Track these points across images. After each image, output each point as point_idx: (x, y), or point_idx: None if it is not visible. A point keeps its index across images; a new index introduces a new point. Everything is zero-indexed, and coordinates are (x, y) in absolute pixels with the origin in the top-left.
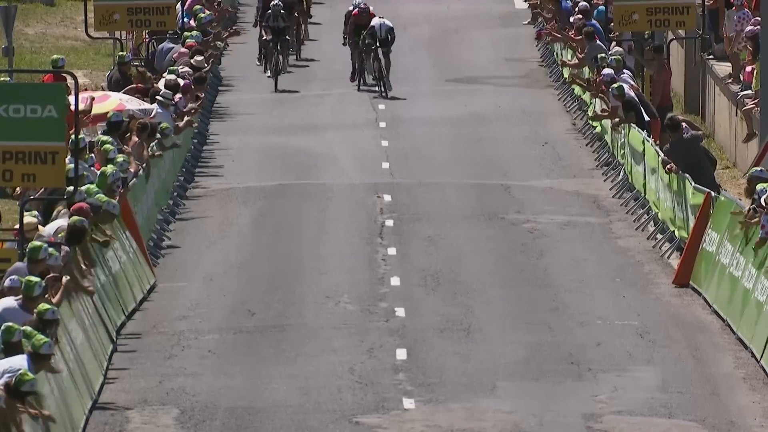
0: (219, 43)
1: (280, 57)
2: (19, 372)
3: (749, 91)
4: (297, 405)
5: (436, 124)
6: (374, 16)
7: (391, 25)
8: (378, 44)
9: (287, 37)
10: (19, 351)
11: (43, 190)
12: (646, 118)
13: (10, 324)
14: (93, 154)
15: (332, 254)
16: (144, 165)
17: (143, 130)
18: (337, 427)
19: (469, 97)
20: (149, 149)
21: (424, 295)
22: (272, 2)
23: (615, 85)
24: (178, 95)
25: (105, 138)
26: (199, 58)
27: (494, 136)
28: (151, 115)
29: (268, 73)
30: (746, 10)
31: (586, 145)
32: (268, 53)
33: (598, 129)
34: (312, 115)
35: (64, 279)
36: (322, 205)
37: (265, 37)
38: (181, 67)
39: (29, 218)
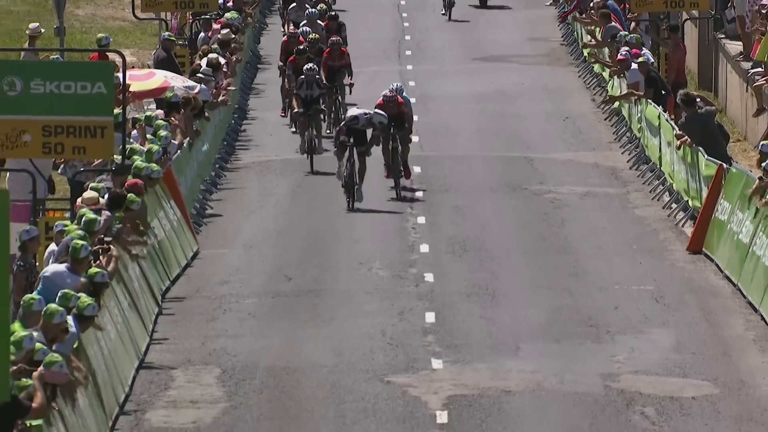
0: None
1: (314, 131)
2: (78, 300)
3: (759, 69)
4: (332, 365)
5: (463, 100)
6: (404, 105)
7: (379, 120)
8: (353, 141)
9: (323, 107)
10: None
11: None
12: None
13: (67, 291)
14: (135, 130)
15: (365, 223)
16: (188, 138)
17: (187, 104)
18: (370, 386)
19: (494, 74)
20: (192, 125)
21: (452, 261)
22: (305, 66)
23: (640, 59)
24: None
25: (151, 114)
26: (225, 31)
27: (518, 111)
28: (195, 91)
29: (303, 154)
30: None
31: (605, 119)
32: (300, 128)
33: (616, 104)
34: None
35: (114, 250)
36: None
37: (296, 109)
38: (214, 45)
39: (91, 193)
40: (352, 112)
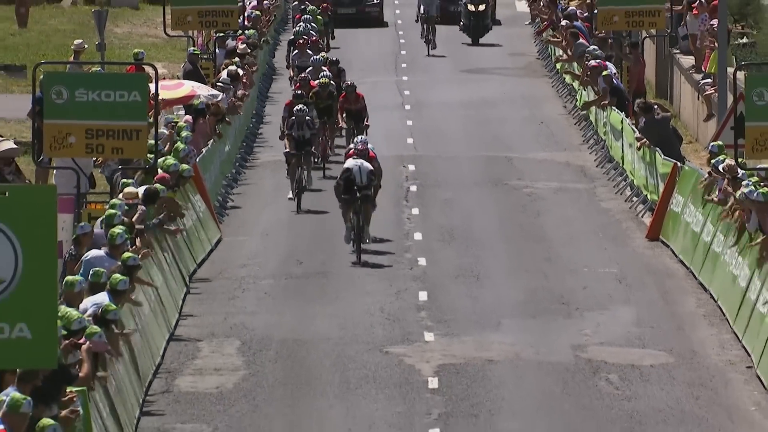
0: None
1: (305, 173)
2: (104, 304)
3: (709, 80)
4: (337, 337)
5: (451, 107)
6: (374, 158)
7: (370, 168)
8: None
9: (313, 149)
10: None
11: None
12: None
13: (98, 269)
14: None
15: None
16: (211, 140)
17: (210, 110)
18: (370, 356)
19: (478, 84)
20: (215, 127)
21: (442, 247)
22: (296, 107)
23: (604, 73)
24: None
25: (182, 125)
26: (242, 46)
27: (499, 116)
28: (218, 99)
29: (290, 195)
30: (705, 14)
31: (575, 124)
32: (291, 170)
33: (585, 111)
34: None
35: (139, 244)
36: None
37: (287, 149)
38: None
39: (131, 189)
40: (346, 164)
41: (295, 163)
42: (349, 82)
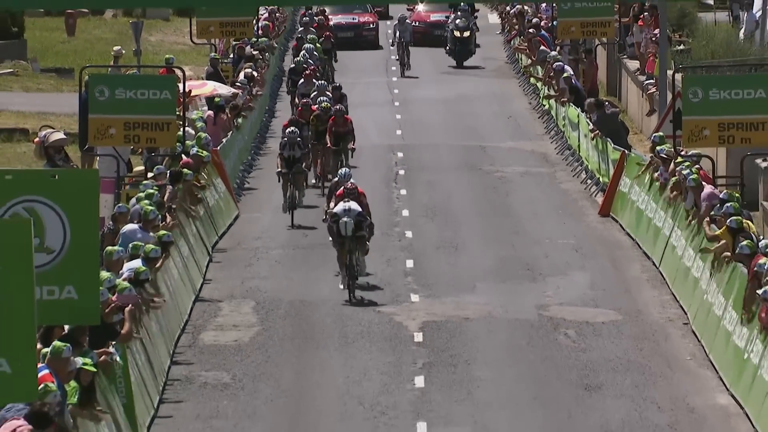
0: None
1: (296, 191)
2: (137, 268)
3: (651, 81)
4: (336, 299)
5: (434, 102)
6: (363, 195)
7: (359, 210)
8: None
9: (304, 166)
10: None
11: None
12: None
13: (136, 242)
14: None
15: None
16: (230, 132)
17: (230, 106)
18: (365, 314)
19: (456, 84)
20: (234, 121)
21: (426, 222)
22: (288, 129)
23: (565, 74)
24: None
25: (195, 117)
26: (255, 51)
27: (474, 111)
28: (236, 97)
29: (284, 212)
30: (649, 28)
31: (538, 118)
32: (283, 187)
33: (546, 106)
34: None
35: (169, 219)
36: (354, 160)
37: (278, 169)
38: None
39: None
40: (335, 209)
41: (286, 181)
42: (338, 107)
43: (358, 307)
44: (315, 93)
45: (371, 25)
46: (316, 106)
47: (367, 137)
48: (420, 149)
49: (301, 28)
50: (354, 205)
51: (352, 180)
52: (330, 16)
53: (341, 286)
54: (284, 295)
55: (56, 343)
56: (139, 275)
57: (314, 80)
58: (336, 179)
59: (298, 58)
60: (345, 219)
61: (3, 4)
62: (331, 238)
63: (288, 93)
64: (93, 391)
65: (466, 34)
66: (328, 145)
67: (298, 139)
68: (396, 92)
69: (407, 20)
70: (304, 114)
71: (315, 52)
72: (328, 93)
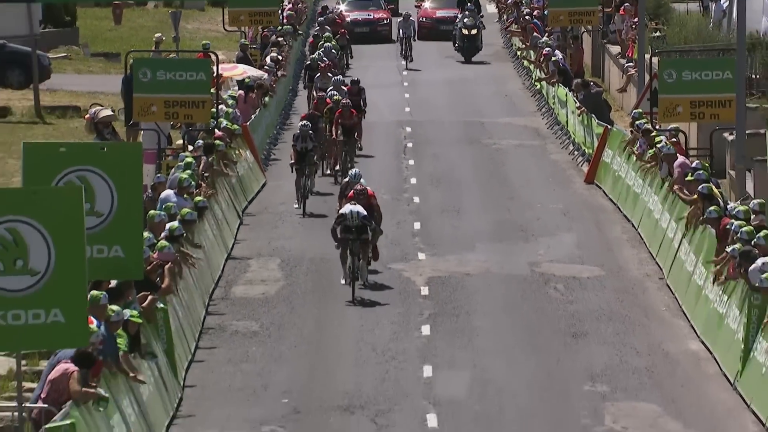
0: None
1: (308, 181)
2: (171, 225)
3: (631, 63)
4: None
5: (439, 84)
6: (372, 196)
7: (364, 213)
8: (353, 235)
9: (315, 159)
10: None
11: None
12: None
13: (169, 203)
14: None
15: (375, 164)
16: (258, 109)
17: (258, 87)
18: (378, 270)
19: (458, 68)
20: (261, 99)
21: (432, 189)
22: (300, 123)
23: (554, 58)
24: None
25: (227, 97)
26: (279, 38)
27: (474, 91)
28: (263, 78)
29: (296, 205)
30: (629, 16)
31: (531, 96)
32: (296, 179)
33: (538, 87)
34: (362, 78)
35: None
36: (368, 134)
37: (292, 161)
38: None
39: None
40: (342, 210)
41: (299, 172)
42: (345, 101)
43: (372, 263)
44: (331, 87)
45: (385, 21)
46: (330, 99)
47: (379, 114)
48: (426, 125)
49: (317, 27)
50: (360, 209)
51: (362, 181)
52: (347, 13)
53: (343, 282)
54: (306, 254)
55: (93, 292)
56: (173, 231)
57: (330, 74)
58: (347, 180)
59: (314, 55)
60: (351, 207)
61: None
62: (335, 242)
63: (304, 88)
64: (139, 340)
65: (474, 31)
66: (334, 137)
67: (310, 132)
68: (405, 74)
69: (411, 17)
70: (319, 107)
71: (333, 50)
72: (342, 88)
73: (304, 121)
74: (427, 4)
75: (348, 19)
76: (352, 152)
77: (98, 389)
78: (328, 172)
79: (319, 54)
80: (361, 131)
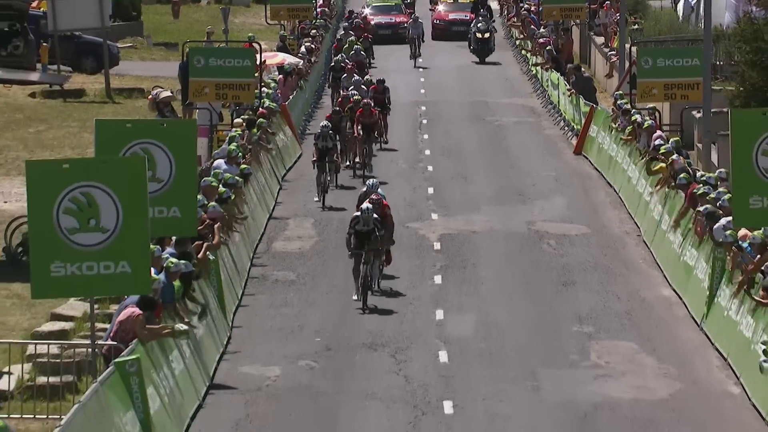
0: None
1: (327, 177)
2: (221, 189)
3: (613, 52)
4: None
5: (449, 69)
6: (387, 206)
7: (376, 216)
8: (365, 241)
9: (335, 158)
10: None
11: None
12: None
13: (218, 170)
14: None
15: (394, 138)
16: (295, 91)
17: (295, 72)
18: (397, 229)
19: (466, 55)
20: (298, 83)
21: (444, 159)
22: (321, 124)
23: (548, 47)
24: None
25: (268, 81)
26: (314, 32)
27: (479, 76)
28: (300, 65)
29: (316, 198)
30: (612, 12)
31: (528, 80)
32: (317, 175)
33: (534, 72)
34: (383, 65)
35: (248, 157)
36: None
37: (314, 158)
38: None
39: (239, 120)
40: (355, 213)
41: (320, 168)
42: (366, 101)
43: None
44: (352, 87)
45: (405, 24)
46: (352, 98)
47: (398, 95)
48: (439, 104)
49: (342, 32)
50: (374, 214)
51: (380, 191)
52: (372, 17)
53: (354, 297)
54: (336, 214)
55: (154, 246)
56: (222, 194)
57: (355, 75)
58: (364, 189)
59: (337, 57)
60: (367, 204)
61: None
62: (348, 252)
63: (328, 87)
64: (192, 288)
65: (487, 35)
66: (355, 134)
67: (330, 132)
68: (420, 61)
69: (419, 20)
70: (343, 104)
71: (362, 52)
72: (363, 87)
73: (326, 122)
74: (440, 8)
75: (372, 22)
76: (370, 148)
77: (177, 324)
78: (348, 164)
79: (342, 56)
80: (387, 127)
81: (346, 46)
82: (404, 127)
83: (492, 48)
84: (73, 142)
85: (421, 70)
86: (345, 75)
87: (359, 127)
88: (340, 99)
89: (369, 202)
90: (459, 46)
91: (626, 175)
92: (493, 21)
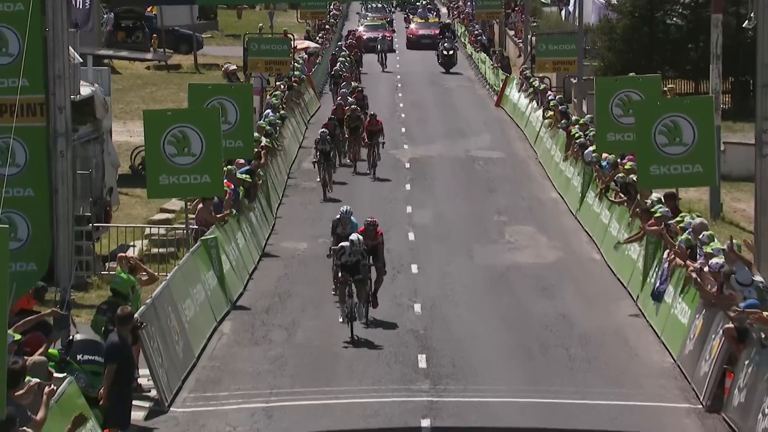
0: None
1: (327, 175)
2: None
3: (521, 41)
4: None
5: (417, 59)
6: (379, 234)
7: (363, 246)
8: (352, 273)
9: (332, 159)
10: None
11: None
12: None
13: (269, 117)
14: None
15: (380, 96)
16: (315, 66)
17: (315, 54)
18: (382, 154)
19: (429, 55)
20: (317, 60)
21: (412, 109)
22: (320, 130)
23: (479, 37)
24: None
25: (298, 59)
26: (327, 25)
27: (437, 62)
28: (318, 49)
29: (318, 179)
30: (520, 13)
31: (466, 59)
32: (320, 174)
33: (470, 53)
34: (372, 58)
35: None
36: (376, 81)
37: (314, 160)
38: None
39: (280, 85)
40: (342, 244)
41: (320, 168)
42: (371, 113)
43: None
44: (340, 96)
45: (389, 39)
46: (347, 107)
47: (384, 73)
48: (410, 74)
49: (337, 48)
50: (361, 240)
51: (352, 218)
52: (364, 33)
53: (341, 320)
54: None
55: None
56: (268, 131)
57: (353, 82)
58: (338, 216)
59: (336, 68)
60: (358, 236)
61: (202, 1)
62: (334, 283)
63: (330, 91)
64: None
65: (451, 52)
66: (365, 140)
67: (328, 137)
68: (397, 67)
69: (387, 37)
70: (337, 112)
71: (350, 64)
72: (349, 97)
73: (323, 129)
74: (413, 26)
75: (365, 37)
76: (377, 151)
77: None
78: (348, 161)
79: (340, 67)
80: (384, 134)
81: (341, 59)
82: (386, 89)
83: (455, 62)
84: (174, 99)
85: (398, 58)
86: (344, 82)
87: (367, 134)
88: (335, 107)
89: (365, 225)
90: (425, 52)
91: (529, 120)
92: (456, 41)
